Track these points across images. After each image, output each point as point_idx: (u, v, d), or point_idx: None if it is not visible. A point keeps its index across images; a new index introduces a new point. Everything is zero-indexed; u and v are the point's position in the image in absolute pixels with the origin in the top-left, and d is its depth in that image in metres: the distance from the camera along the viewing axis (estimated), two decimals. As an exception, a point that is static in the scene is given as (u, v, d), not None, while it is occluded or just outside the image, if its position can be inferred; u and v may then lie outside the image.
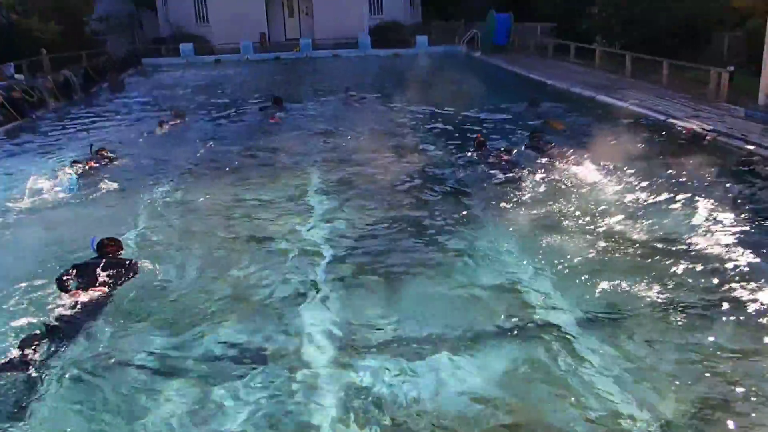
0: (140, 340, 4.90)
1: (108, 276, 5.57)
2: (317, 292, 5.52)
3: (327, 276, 5.77)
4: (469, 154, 9.64)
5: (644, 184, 7.76)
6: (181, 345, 4.85)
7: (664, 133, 10.75)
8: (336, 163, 9.67)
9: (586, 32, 21.34)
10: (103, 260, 5.76)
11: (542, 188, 7.99)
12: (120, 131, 12.91)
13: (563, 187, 8.01)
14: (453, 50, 28.52)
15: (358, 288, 5.59)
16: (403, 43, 29.14)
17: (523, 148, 9.85)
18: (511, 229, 6.77)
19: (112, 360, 4.68)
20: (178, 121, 13.19)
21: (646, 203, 7.21)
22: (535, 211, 7.21)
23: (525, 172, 8.57)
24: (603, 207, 7.18)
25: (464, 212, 7.36)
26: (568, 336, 4.84)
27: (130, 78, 22.64)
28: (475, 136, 10.22)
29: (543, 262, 5.98)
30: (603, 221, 6.78)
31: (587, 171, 8.45)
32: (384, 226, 6.96)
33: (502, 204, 7.50)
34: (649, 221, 6.67)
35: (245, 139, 11.68)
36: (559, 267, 5.85)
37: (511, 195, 7.83)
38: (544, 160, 9.13)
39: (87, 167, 9.42)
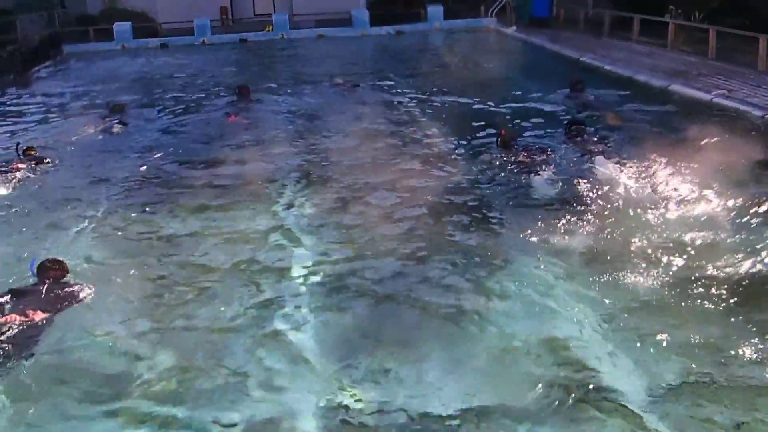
0: (76, 375, 5.39)
1: (49, 302, 5.94)
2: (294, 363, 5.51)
3: (312, 342, 5.74)
4: (491, 156, 10.06)
5: (735, 204, 7.71)
6: (124, 375, 5.36)
7: (763, 135, 10.84)
8: (319, 177, 9.81)
9: (653, 0, 21.63)
10: (45, 285, 6.17)
11: (589, 201, 8.19)
12: (37, 134, 13.33)
13: (618, 201, 8.15)
14: (478, 24, 29.06)
15: (356, 352, 5.56)
16: (412, 17, 29.73)
17: (560, 145, 10.37)
18: (549, 261, 6.83)
19: (44, 387, 5.23)
20: (117, 120, 13.72)
21: (737, 232, 7.12)
22: (581, 236, 7.30)
23: (564, 177, 8.86)
24: (679, 235, 7.14)
25: (486, 237, 7.53)
26: (636, 415, 4.75)
27: (46, 70, 22.98)
28: (498, 132, 10.57)
29: (597, 308, 5.98)
30: (679, 255, 6.72)
31: (652, 182, 8.59)
32: (385, 264, 6.99)
33: (536, 223, 7.63)
34: (743, 257, 6.63)
35: (199, 145, 12.04)
36: (621, 316, 5.82)
37: (547, 210, 8.03)
38: (588, 162, 9.49)
39: (12, 170, 10.09)
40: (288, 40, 28.15)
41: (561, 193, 8.62)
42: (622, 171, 9.02)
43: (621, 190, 8.49)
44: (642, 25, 21.29)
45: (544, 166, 9.27)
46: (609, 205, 8.10)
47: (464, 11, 30.21)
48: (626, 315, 5.87)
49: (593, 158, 9.55)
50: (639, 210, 7.85)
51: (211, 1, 30.90)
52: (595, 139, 10.57)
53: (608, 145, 10.25)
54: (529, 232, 7.48)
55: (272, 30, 28.98)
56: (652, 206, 7.91)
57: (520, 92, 14.88)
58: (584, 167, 9.38)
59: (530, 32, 25.24)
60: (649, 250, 6.91)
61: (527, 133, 11.36)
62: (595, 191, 8.47)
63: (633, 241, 7.11)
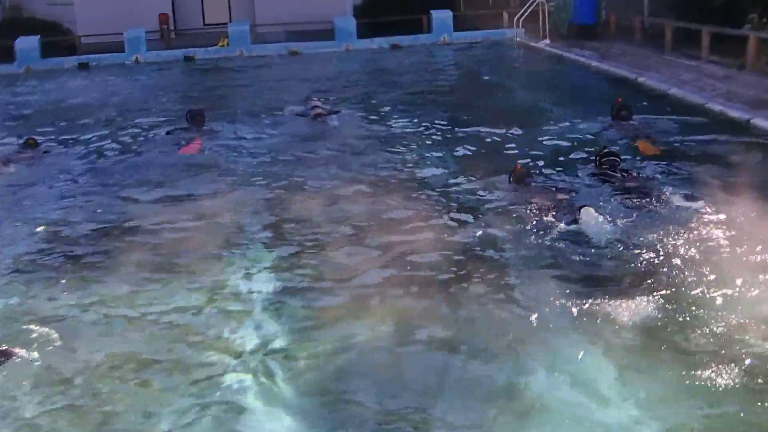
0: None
1: None
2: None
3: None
4: (501, 194, 10.74)
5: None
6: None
7: None
8: (286, 237, 9.91)
9: (728, 7, 22.02)
10: None
11: (629, 257, 8.48)
12: None
13: (662, 254, 8.42)
14: (499, 36, 29.78)
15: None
16: (413, 27, 30.33)
17: (587, 178, 11.11)
18: (580, 340, 6.93)
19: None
20: (31, 155, 14.31)
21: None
22: (619, 304, 7.46)
23: (591, 222, 9.21)
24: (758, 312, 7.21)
25: (498, 309, 7.68)
26: None
27: None
28: (513, 164, 11.20)
29: (644, 404, 6.05)
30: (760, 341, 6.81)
31: (715, 236, 8.85)
32: (379, 353, 7.07)
33: (558, 288, 7.87)
34: None
35: (132, 190, 12.29)
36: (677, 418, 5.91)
37: (573, 267, 8.32)
38: (623, 202, 10.02)
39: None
40: (249, 57, 28.72)
41: (586, 239, 8.95)
42: (668, 209, 9.42)
43: (670, 245, 8.75)
44: (713, 39, 21.62)
45: (563, 210, 9.68)
46: (648, 254, 8.44)
47: (481, 19, 31.04)
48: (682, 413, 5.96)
49: (632, 199, 10.04)
50: (696, 279, 7.92)
51: (148, 6, 31.39)
52: (636, 174, 11.04)
53: (641, 175, 10.79)
54: (551, 300, 7.68)
55: (227, 45, 29.59)
56: (717, 270, 8.01)
57: (552, 123, 15.39)
58: (619, 212, 9.77)
59: (570, 45, 25.76)
60: (705, 326, 7.03)
61: (549, 170, 11.93)
62: (635, 243, 8.80)
63: (683, 308, 7.29)
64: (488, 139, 14.40)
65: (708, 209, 9.71)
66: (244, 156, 14.06)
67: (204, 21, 33.34)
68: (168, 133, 15.74)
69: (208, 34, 31.28)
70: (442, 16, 30.19)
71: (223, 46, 29.75)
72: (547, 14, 28.29)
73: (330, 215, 10.54)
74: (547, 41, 27.18)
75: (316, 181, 12.23)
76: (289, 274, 8.77)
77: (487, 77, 22.39)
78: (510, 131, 14.73)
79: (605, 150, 11.83)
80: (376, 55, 27.86)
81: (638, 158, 12.30)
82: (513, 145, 13.75)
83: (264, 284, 8.50)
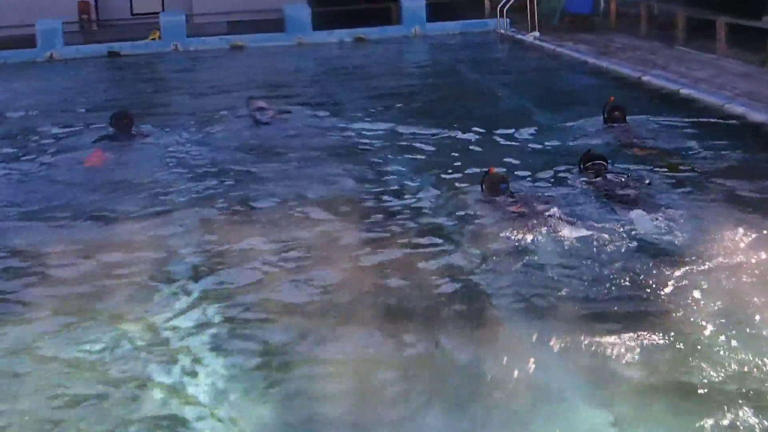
0: None
1: None
2: None
3: None
4: (473, 201, 11.13)
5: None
6: None
7: None
8: (228, 269, 9.81)
9: None
10: None
11: (624, 275, 8.74)
12: None
13: (660, 275, 8.73)
14: (479, 27, 29.81)
15: None
16: (379, 17, 30.26)
17: (570, 185, 11.61)
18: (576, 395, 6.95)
19: None
20: None
21: None
22: (609, 332, 7.68)
23: (575, 236, 9.62)
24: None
25: (476, 351, 7.73)
26: None
27: None
28: (485, 171, 11.52)
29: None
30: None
31: (721, 256, 9.14)
32: (330, 401, 7.17)
33: (540, 320, 8.07)
34: None
35: (39, 211, 12.20)
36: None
37: (552, 289, 8.58)
38: (611, 214, 10.37)
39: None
40: (184, 52, 28.57)
41: (569, 262, 9.20)
42: (668, 234, 9.70)
43: (665, 263, 9.02)
44: (731, 31, 21.93)
45: (544, 220, 10.01)
46: (647, 272, 8.76)
47: (459, 8, 30.87)
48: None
49: (623, 210, 10.39)
50: (692, 309, 8.16)
51: (65, -7, 31.13)
52: (624, 179, 11.45)
53: (645, 190, 11.14)
54: (533, 335, 7.79)
55: (159, 38, 29.36)
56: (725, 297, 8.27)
57: (537, 127, 15.65)
58: (605, 223, 10.10)
59: (563, 38, 25.83)
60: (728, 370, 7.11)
61: (528, 178, 12.32)
62: (621, 262, 9.11)
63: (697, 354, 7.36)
64: (462, 147, 14.58)
65: (709, 223, 10.04)
66: (176, 168, 14.08)
67: (132, 10, 32.76)
68: (96, 141, 15.67)
69: (136, 26, 30.95)
70: (413, 5, 30.04)
71: (154, 39, 29.45)
72: (536, 2, 28.20)
73: (275, 238, 10.56)
74: (537, 34, 27.14)
75: (260, 198, 12.24)
76: (226, 308, 8.83)
77: (465, 76, 22.50)
78: (488, 137, 15.03)
79: (590, 153, 12.25)
80: (335, 50, 27.85)
81: (634, 163, 12.71)
82: (489, 152, 14.00)
83: (197, 321, 8.56)
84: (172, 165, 14.24)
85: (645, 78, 19.61)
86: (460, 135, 15.28)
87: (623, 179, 11.47)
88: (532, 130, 15.40)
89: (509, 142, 14.71)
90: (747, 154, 13.33)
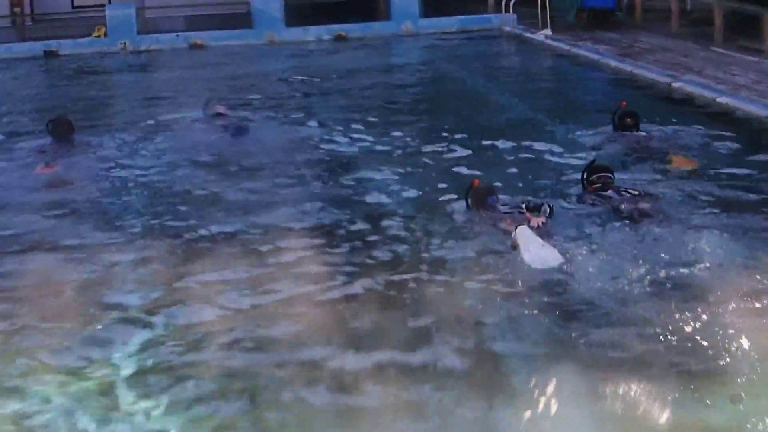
0: None
1: None
2: None
3: None
4: (457, 215, 11.48)
5: None
6: None
7: None
8: (175, 305, 9.81)
9: None
10: None
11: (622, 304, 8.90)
12: None
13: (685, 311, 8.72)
14: (482, 24, 30.04)
15: None
16: (365, 12, 30.65)
17: (572, 200, 11.91)
18: None
19: None
20: None
21: None
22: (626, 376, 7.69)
23: (575, 253, 9.89)
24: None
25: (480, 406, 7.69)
26: None
27: None
28: (469, 184, 11.78)
29: None
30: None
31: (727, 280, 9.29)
32: None
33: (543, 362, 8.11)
34: None
35: None
36: None
37: (554, 323, 8.71)
38: (619, 228, 10.69)
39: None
40: (135, 52, 28.72)
41: (566, 287, 9.39)
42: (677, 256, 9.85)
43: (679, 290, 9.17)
44: None
45: (537, 239, 10.16)
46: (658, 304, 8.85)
47: (456, 1, 31.28)
48: None
49: (633, 226, 10.69)
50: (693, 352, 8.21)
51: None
52: (636, 193, 11.66)
53: (658, 205, 11.37)
54: (535, 382, 7.78)
55: (105, 35, 29.56)
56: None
57: (540, 141, 15.74)
58: (613, 241, 10.34)
59: (579, 37, 25.88)
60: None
61: (526, 193, 12.47)
62: (629, 287, 9.24)
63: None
64: (454, 162, 14.71)
65: (732, 250, 10.00)
66: (121, 186, 14.15)
67: (73, 3, 33.13)
68: (42, 152, 15.83)
69: (78, 21, 31.18)
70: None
71: (99, 36, 29.74)
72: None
73: (234, 270, 10.55)
74: (549, 32, 27.28)
75: (218, 222, 12.21)
76: (176, 353, 8.80)
77: (462, 82, 22.58)
78: (485, 151, 15.22)
79: (594, 164, 12.39)
80: (312, 50, 27.95)
81: (657, 176, 13.00)
82: (483, 166, 14.07)
83: (142, 364, 8.56)
84: (117, 183, 14.30)
85: (676, 84, 19.58)
86: (452, 149, 15.43)
87: (633, 192, 11.65)
88: (537, 143, 15.51)
89: (508, 156, 14.84)
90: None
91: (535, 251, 9.79)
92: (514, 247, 9.91)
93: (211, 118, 17.55)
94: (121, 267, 10.97)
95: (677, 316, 8.63)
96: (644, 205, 11.22)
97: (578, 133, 15.81)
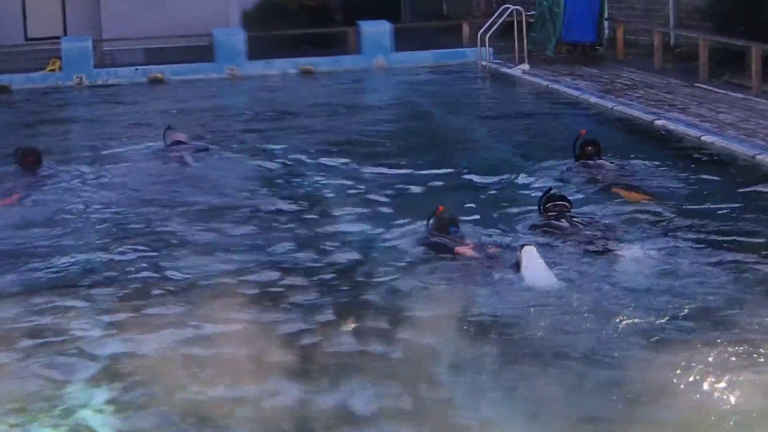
0: None
1: None
2: None
3: None
4: (419, 246, 12.10)
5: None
6: None
7: None
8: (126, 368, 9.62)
9: None
10: None
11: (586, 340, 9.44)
12: None
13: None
14: (457, 59, 29.76)
15: None
16: (334, 44, 30.49)
17: (528, 229, 12.64)
18: None
19: None
20: None
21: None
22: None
23: (533, 282, 10.54)
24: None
25: None
26: None
27: None
28: (433, 211, 12.41)
29: None
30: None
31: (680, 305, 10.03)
32: None
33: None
34: None
35: None
36: None
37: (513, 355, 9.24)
38: (575, 257, 11.46)
39: None
40: (91, 87, 28.34)
41: (524, 315, 10.07)
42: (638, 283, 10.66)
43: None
44: (767, 63, 21.77)
45: (498, 267, 11.03)
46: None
47: (430, 35, 31.08)
48: None
49: (587, 255, 11.48)
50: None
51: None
52: (588, 222, 12.52)
53: (613, 234, 12.17)
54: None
55: (60, 69, 29.11)
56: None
57: (511, 175, 16.27)
58: (568, 269, 11.05)
59: (559, 72, 25.78)
60: None
61: (485, 223, 13.20)
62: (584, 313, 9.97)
63: None
64: (418, 199, 15.08)
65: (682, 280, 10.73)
66: (77, 223, 14.27)
67: (26, 34, 32.68)
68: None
69: (31, 54, 30.69)
70: (375, 30, 29.96)
71: (53, 70, 29.32)
72: (525, 28, 28.09)
73: (191, 324, 10.45)
74: (527, 66, 27.09)
75: (172, 268, 12.21)
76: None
77: (434, 119, 22.51)
78: (453, 187, 15.66)
79: (550, 193, 13.14)
80: (277, 85, 27.87)
81: (608, 204, 13.90)
82: (449, 199, 14.35)
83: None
84: (75, 220, 14.41)
85: (659, 122, 19.54)
86: (419, 185, 15.77)
87: (585, 222, 12.43)
88: (505, 176, 16.09)
89: (476, 191, 15.38)
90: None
91: (533, 269, 10.50)
92: (517, 264, 10.58)
93: (170, 146, 17.90)
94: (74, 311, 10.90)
95: (614, 340, 9.36)
96: (596, 234, 11.95)
97: (544, 164, 16.40)
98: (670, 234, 12.39)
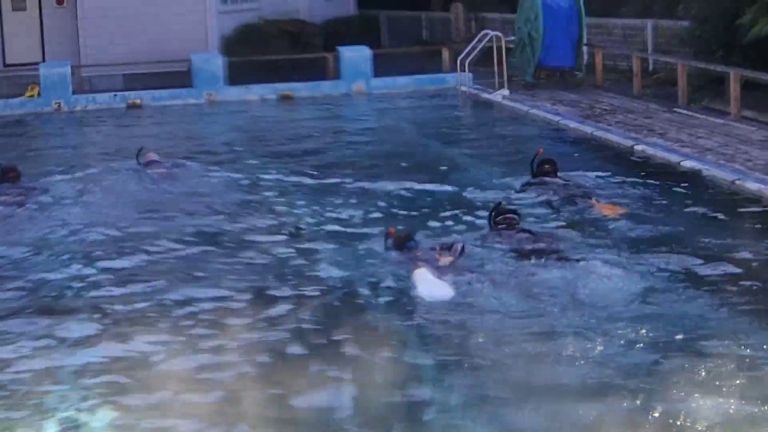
0: None
1: None
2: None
3: None
4: (377, 260, 12.73)
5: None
6: None
7: None
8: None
9: (764, 44, 22.20)
10: None
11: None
12: None
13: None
14: (437, 84, 29.88)
15: None
16: (312, 70, 30.41)
17: (481, 238, 13.30)
18: None
19: None
20: None
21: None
22: None
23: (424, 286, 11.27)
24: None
25: None
26: None
27: None
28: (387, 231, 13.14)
29: None
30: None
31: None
32: None
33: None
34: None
35: None
36: None
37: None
38: (520, 267, 12.09)
39: None
40: (69, 113, 28.34)
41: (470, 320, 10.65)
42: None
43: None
44: (746, 88, 21.75)
45: (449, 276, 11.53)
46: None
47: (410, 61, 31.17)
48: None
49: (532, 265, 12.05)
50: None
51: None
52: (533, 233, 13.13)
53: (557, 246, 12.84)
54: None
55: (38, 94, 29.06)
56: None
57: (478, 191, 16.74)
58: (511, 278, 11.70)
59: (538, 98, 25.78)
60: None
61: (439, 234, 13.89)
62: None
63: None
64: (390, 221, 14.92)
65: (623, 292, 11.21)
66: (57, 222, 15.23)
67: (4, 60, 32.60)
68: None
69: (9, 79, 30.95)
70: (355, 55, 30.05)
71: (32, 96, 29.22)
72: (505, 54, 28.13)
73: (165, 347, 10.48)
74: (506, 92, 27.09)
75: (144, 293, 12.15)
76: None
77: (414, 145, 22.38)
78: (425, 214, 15.56)
79: (500, 206, 13.78)
80: (255, 111, 27.76)
81: (559, 217, 14.77)
82: (417, 223, 14.79)
83: None
84: (53, 227, 15.09)
85: (639, 147, 19.54)
86: (396, 206, 16.00)
87: (532, 233, 13.06)
88: (475, 194, 16.50)
89: (437, 209, 15.67)
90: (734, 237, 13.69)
91: (426, 288, 11.14)
92: (414, 286, 11.32)
93: (144, 166, 18.39)
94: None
95: (549, 344, 9.80)
96: (540, 245, 12.57)
97: (504, 180, 17.24)
98: (617, 248, 12.86)
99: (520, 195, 15.97)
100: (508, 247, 12.66)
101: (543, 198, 15.62)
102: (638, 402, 8.49)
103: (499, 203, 14.03)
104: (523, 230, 13.08)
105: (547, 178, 16.11)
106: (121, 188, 17.67)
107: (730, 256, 12.64)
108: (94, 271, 12.95)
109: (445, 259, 11.91)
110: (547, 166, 16.27)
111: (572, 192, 15.79)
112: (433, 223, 14.66)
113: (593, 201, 15.18)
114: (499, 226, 13.17)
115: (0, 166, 17.72)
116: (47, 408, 9.04)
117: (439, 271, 11.67)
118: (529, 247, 12.56)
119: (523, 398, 8.67)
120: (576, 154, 20.08)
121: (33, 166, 20.36)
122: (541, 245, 12.64)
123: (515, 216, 13.37)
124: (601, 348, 9.64)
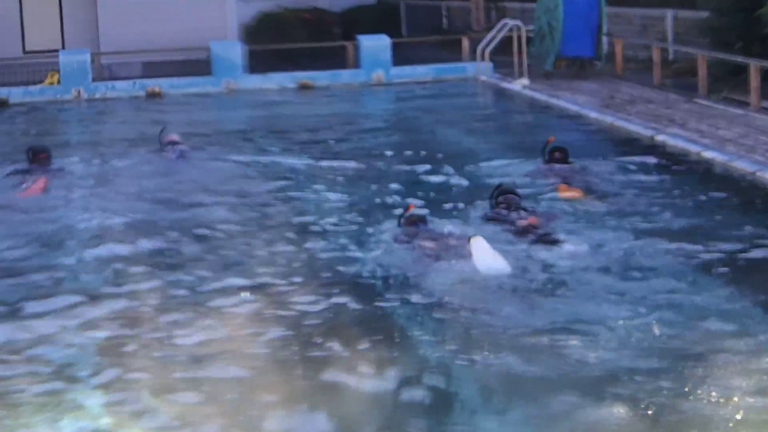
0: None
1: None
2: None
3: None
4: (389, 236, 13.04)
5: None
6: None
7: None
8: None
9: None
10: None
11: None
12: None
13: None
14: (457, 73, 29.89)
15: None
16: (332, 58, 30.44)
17: (480, 219, 13.65)
18: None
19: None
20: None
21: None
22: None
23: (482, 255, 11.40)
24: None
25: None
26: None
27: None
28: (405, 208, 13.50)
29: None
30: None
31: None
32: None
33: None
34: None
35: None
36: None
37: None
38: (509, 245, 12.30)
39: None
40: (89, 100, 28.35)
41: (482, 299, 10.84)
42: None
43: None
44: (766, 78, 21.77)
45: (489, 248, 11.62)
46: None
47: (430, 49, 31.13)
48: None
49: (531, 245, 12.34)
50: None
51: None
52: (532, 212, 13.48)
53: (553, 225, 13.23)
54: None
55: (58, 82, 29.09)
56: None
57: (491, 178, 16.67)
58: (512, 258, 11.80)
59: (558, 87, 25.74)
60: None
61: (445, 215, 14.19)
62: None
63: None
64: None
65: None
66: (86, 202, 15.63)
67: (24, 47, 32.73)
68: (10, 174, 17.48)
69: (29, 67, 30.82)
70: (374, 44, 29.98)
71: (51, 83, 29.29)
72: (525, 43, 28.24)
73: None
74: (526, 81, 27.12)
75: (162, 286, 11.95)
76: None
77: (432, 134, 22.31)
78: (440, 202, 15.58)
79: (501, 186, 14.09)
80: (274, 99, 27.65)
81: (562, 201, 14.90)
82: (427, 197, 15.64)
83: None
84: (84, 208, 15.41)
85: (659, 138, 19.51)
86: (414, 194, 15.90)
87: (529, 210, 13.47)
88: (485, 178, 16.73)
89: (448, 191, 16.29)
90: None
91: (483, 259, 11.28)
92: (470, 254, 11.38)
93: (166, 146, 18.95)
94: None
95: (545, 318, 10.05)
96: (534, 221, 12.89)
97: (517, 166, 17.45)
98: (619, 230, 13.18)
99: (526, 180, 16.20)
100: (506, 226, 13.00)
101: (549, 181, 15.90)
102: (649, 395, 8.34)
103: (500, 184, 14.30)
104: (518, 208, 13.40)
105: (556, 165, 16.50)
106: (143, 173, 17.85)
107: (750, 248, 12.46)
108: (111, 254, 12.99)
109: (452, 242, 12.13)
110: (557, 153, 16.64)
111: (580, 177, 16.12)
112: (451, 210, 14.69)
113: (558, 186, 15.52)
114: (500, 205, 13.55)
115: (31, 148, 18.37)
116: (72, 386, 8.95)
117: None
118: (520, 222, 12.88)
119: (527, 392, 8.54)
120: (595, 144, 20.00)
121: (54, 152, 20.28)
122: (533, 221, 12.93)
123: (516, 196, 13.73)
124: (611, 342, 9.51)
